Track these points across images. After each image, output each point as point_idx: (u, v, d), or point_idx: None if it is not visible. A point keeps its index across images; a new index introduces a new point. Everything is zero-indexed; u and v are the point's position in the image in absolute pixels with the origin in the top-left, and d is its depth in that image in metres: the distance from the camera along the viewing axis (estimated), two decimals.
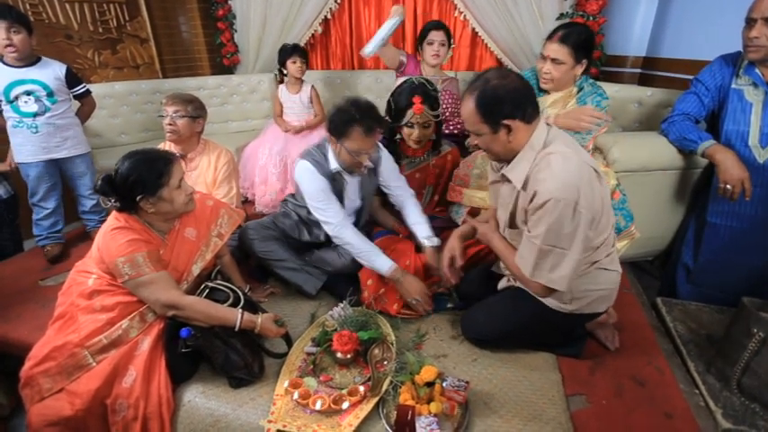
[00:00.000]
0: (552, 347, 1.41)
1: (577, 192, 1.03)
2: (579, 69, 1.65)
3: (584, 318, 1.31)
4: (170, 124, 1.79)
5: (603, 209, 1.13)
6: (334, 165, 1.63)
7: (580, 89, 1.72)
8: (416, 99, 1.68)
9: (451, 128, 2.34)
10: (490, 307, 1.41)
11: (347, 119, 1.49)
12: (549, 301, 1.24)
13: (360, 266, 1.67)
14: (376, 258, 1.57)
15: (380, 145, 1.74)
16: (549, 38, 1.64)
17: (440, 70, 2.42)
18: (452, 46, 2.45)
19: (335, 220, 1.60)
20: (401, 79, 2.37)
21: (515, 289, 1.35)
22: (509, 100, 1.06)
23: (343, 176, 1.66)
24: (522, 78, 1.13)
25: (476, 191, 1.80)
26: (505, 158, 1.17)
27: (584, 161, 1.09)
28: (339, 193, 1.67)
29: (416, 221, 1.74)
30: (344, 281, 1.71)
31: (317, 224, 1.72)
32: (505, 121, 1.07)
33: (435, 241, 1.68)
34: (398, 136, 1.85)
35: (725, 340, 1.32)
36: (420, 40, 2.36)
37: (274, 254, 1.75)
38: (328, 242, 1.75)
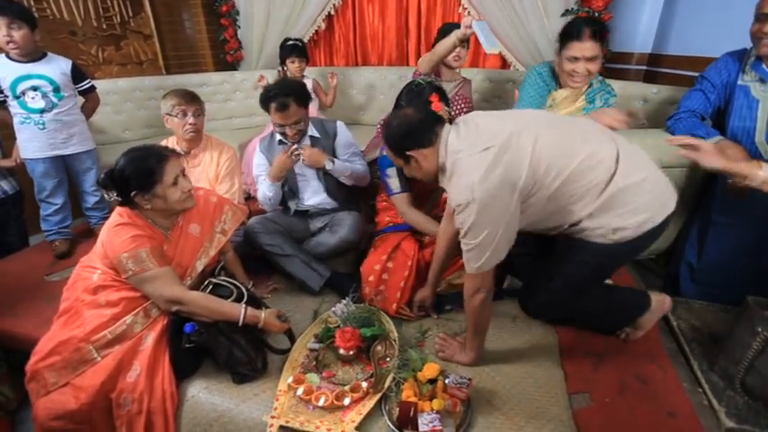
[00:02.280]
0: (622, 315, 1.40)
1: (471, 191, 1.10)
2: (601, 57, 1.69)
3: (640, 244, 1.21)
4: (193, 124, 1.80)
5: (537, 167, 1.11)
6: (277, 135, 1.87)
7: (589, 85, 1.72)
8: (434, 97, 1.63)
9: None
10: (544, 272, 1.35)
11: (264, 98, 1.75)
12: (599, 239, 1.18)
13: (350, 246, 1.79)
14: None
15: (341, 123, 1.96)
16: (577, 38, 1.61)
17: (455, 73, 2.39)
18: (468, 49, 2.43)
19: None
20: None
21: (565, 248, 1.28)
22: (406, 136, 1.23)
23: (287, 144, 1.86)
24: (416, 110, 1.28)
25: None
26: (430, 180, 1.30)
27: (474, 154, 1.13)
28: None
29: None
30: (347, 278, 1.73)
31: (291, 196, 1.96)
32: (408, 153, 1.23)
33: (328, 160, 1.85)
34: None
35: (729, 339, 1.32)
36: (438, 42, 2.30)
37: (279, 248, 1.77)
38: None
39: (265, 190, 1.89)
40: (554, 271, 1.33)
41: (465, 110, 2.28)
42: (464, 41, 2.03)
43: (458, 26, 2.21)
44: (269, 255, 1.78)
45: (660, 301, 1.41)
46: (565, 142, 1.15)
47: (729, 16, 2.07)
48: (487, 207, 1.10)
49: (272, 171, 1.83)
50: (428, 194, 1.88)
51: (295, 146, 1.80)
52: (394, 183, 1.73)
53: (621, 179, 1.13)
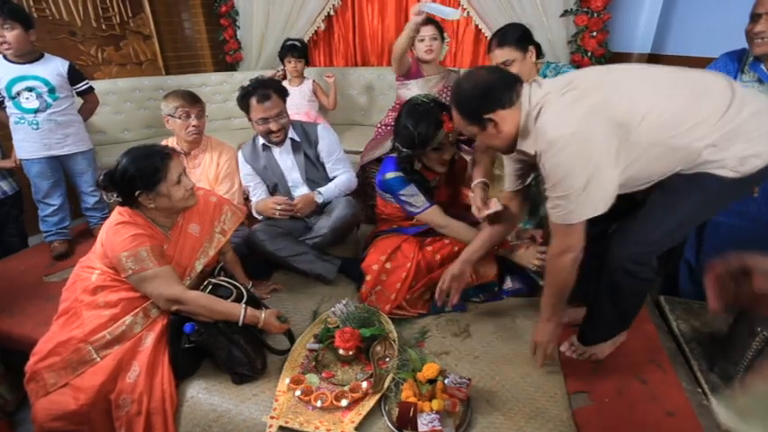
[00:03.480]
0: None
1: (565, 124, 1.01)
2: (531, 57, 1.70)
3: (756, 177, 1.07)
4: (197, 126, 1.81)
5: (636, 111, 1.01)
6: (260, 140, 1.90)
7: (544, 77, 1.74)
8: (445, 117, 1.52)
9: None
10: (645, 218, 1.16)
11: (242, 95, 1.77)
12: (723, 172, 1.03)
13: (347, 224, 1.82)
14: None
15: (322, 126, 1.96)
16: (489, 50, 1.73)
17: (438, 66, 2.39)
18: (447, 40, 2.42)
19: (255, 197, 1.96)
20: (403, 86, 2.35)
21: (679, 184, 1.11)
22: (482, 97, 1.11)
23: (271, 149, 1.91)
24: (491, 70, 1.17)
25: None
26: (507, 147, 1.18)
27: (566, 93, 1.05)
28: (274, 165, 1.92)
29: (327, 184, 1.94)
30: (357, 263, 1.76)
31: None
32: (487, 116, 1.11)
33: (316, 192, 1.88)
34: (417, 164, 1.65)
35: (728, 339, 1.32)
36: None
37: (288, 249, 1.78)
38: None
39: (256, 216, 1.94)
40: (663, 212, 1.12)
41: None
42: (418, 30, 2.07)
43: (428, 19, 2.18)
44: (279, 259, 1.79)
45: (624, 334, 1.39)
46: (665, 77, 1.07)
47: (728, 16, 2.07)
48: (582, 143, 0.98)
49: (259, 211, 1.89)
50: (451, 199, 1.80)
51: (284, 201, 1.82)
52: (417, 200, 1.63)
53: (741, 105, 1.02)
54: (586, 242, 1.13)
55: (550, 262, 1.17)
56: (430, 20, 2.24)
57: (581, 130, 0.98)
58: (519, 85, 1.12)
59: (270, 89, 1.75)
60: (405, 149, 1.57)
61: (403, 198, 1.65)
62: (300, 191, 1.94)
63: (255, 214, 1.92)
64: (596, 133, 0.99)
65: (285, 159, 1.92)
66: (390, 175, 1.65)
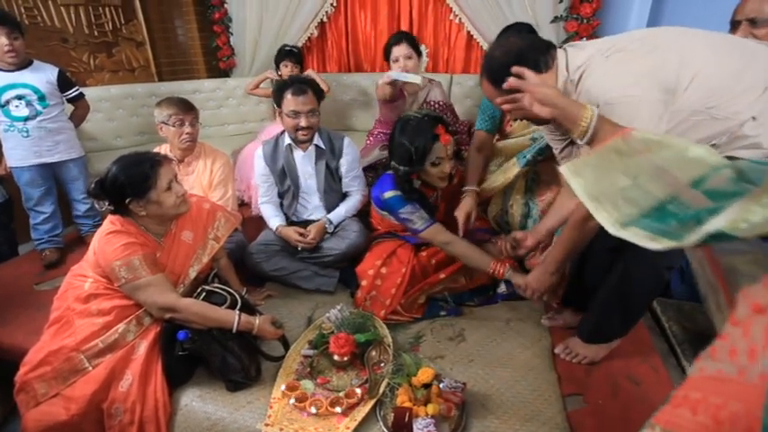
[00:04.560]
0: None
1: (611, 87, 0.99)
2: None
3: None
4: (190, 133, 1.80)
5: (682, 72, 0.98)
6: (284, 140, 1.88)
7: None
8: (441, 129, 1.47)
9: None
10: None
11: (279, 86, 1.82)
12: (753, 153, 0.99)
13: (358, 251, 1.79)
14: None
15: (349, 140, 1.93)
16: None
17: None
18: (426, 50, 2.41)
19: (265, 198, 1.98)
20: (386, 107, 2.29)
21: None
22: (515, 62, 1.06)
23: (293, 153, 1.89)
24: (523, 36, 1.15)
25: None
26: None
27: (611, 55, 1.01)
28: (292, 168, 1.89)
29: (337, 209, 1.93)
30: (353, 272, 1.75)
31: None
32: None
33: (327, 220, 1.88)
34: (417, 182, 1.60)
35: None
36: (386, 57, 2.23)
37: (286, 268, 1.80)
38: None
39: (268, 221, 1.93)
40: None
41: (444, 114, 2.20)
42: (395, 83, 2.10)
43: (401, 36, 2.19)
44: (278, 278, 1.81)
45: (619, 339, 1.39)
46: (713, 38, 1.05)
47: (715, 22, 2.11)
48: (629, 108, 0.94)
49: (281, 235, 1.86)
50: (449, 217, 1.75)
51: (306, 240, 1.79)
52: (418, 216, 1.56)
53: None
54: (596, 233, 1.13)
55: (578, 227, 1.16)
56: (402, 38, 2.20)
57: (631, 94, 0.95)
58: (553, 50, 1.08)
59: (307, 86, 1.78)
60: (403, 167, 1.52)
61: (403, 217, 1.58)
62: (311, 199, 1.93)
63: (274, 230, 1.89)
64: (645, 99, 0.96)
65: (305, 165, 1.89)
66: (389, 194, 1.59)
